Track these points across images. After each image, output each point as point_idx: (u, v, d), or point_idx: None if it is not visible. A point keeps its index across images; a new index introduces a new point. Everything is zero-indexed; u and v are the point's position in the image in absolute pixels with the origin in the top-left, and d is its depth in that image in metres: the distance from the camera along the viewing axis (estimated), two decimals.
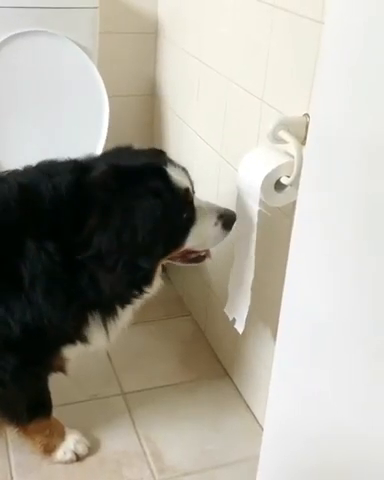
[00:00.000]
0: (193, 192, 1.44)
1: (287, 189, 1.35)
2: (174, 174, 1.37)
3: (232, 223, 1.45)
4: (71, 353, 1.46)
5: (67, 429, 1.63)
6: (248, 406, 1.83)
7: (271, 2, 1.42)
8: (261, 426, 1.71)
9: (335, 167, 0.88)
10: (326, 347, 0.97)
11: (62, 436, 1.61)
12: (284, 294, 1.06)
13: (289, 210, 1.40)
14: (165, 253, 1.40)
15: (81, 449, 1.62)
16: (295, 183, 1.30)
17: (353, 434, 0.94)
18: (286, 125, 1.29)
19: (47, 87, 1.96)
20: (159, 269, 1.43)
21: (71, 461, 1.60)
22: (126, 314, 1.46)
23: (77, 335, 1.41)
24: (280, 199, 1.38)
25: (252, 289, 1.49)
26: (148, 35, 2.23)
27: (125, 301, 1.41)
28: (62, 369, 1.53)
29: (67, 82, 1.98)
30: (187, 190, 1.39)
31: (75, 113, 2.00)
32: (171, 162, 1.41)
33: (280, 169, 1.32)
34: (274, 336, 1.12)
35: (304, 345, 1.03)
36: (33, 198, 1.30)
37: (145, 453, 1.66)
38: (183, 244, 1.42)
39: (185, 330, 2.13)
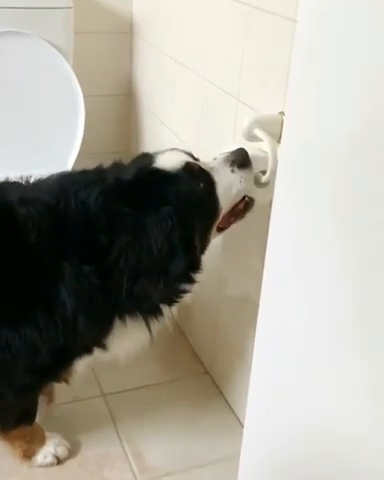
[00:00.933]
0: (196, 160, 1.41)
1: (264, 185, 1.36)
2: (165, 160, 1.35)
3: (246, 159, 1.36)
4: (83, 364, 1.44)
5: (47, 433, 1.62)
6: (229, 405, 1.83)
7: (245, 1, 1.43)
8: (242, 424, 1.71)
9: (310, 164, 0.88)
10: (305, 345, 0.97)
11: (42, 441, 1.60)
12: (262, 292, 1.07)
13: (266, 208, 1.40)
14: (208, 231, 1.37)
15: (61, 452, 1.61)
16: (271, 180, 1.31)
17: (333, 432, 0.94)
18: (261, 123, 1.30)
19: (22, 88, 1.94)
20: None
21: (52, 464, 1.59)
22: (170, 312, 1.44)
23: (98, 344, 1.40)
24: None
25: (231, 286, 1.50)
26: (123, 35, 2.23)
27: (174, 300, 1.39)
28: (67, 380, 1.50)
29: (42, 83, 1.97)
30: (187, 163, 1.35)
31: (50, 114, 1.99)
32: (157, 153, 1.39)
33: (256, 164, 1.33)
34: (254, 334, 1.12)
35: (283, 343, 1.03)
36: (64, 221, 1.27)
37: (126, 454, 1.65)
38: (220, 210, 1.38)
39: (165, 330, 2.12)
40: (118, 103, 2.33)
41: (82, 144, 2.01)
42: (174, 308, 1.44)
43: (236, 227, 1.47)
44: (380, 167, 0.76)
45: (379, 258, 0.78)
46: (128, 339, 1.43)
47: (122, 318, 1.36)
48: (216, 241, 1.69)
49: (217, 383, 1.90)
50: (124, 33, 2.22)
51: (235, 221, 1.45)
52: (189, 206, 1.31)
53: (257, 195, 1.41)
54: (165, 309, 1.40)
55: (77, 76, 1.95)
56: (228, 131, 1.57)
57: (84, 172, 1.38)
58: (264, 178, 1.32)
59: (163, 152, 1.39)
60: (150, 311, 1.38)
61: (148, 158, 1.38)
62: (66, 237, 1.27)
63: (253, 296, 1.50)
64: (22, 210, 1.26)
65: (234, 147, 1.39)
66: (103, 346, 1.40)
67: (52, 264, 1.25)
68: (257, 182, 1.37)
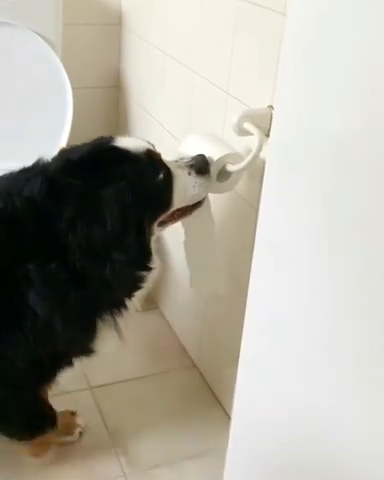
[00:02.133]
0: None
1: (231, 178, 1.38)
2: (126, 142, 1.31)
3: (206, 166, 1.36)
4: (70, 374, 1.41)
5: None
6: (216, 398, 1.84)
7: None
8: (229, 417, 1.72)
9: (299, 158, 0.88)
10: (292, 339, 0.98)
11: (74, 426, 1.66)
12: (250, 286, 1.07)
13: (254, 201, 1.41)
14: (153, 222, 1.32)
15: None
16: (238, 173, 1.35)
17: (321, 425, 0.95)
18: (251, 117, 1.30)
19: (9, 79, 1.93)
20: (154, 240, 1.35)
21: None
22: (133, 305, 1.38)
23: (87, 349, 1.35)
24: (219, 188, 1.41)
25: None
26: (112, 26, 2.21)
27: (133, 289, 1.33)
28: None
29: (30, 74, 1.95)
30: (149, 150, 1.32)
31: (38, 106, 1.98)
32: (118, 138, 1.34)
33: (228, 156, 1.35)
34: (241, 327, 1.12)
35: (270, 337, 1.04)
36: (16, 223, 1.21)
37: (114, 447, 1.66)
38: (171, 204, 1.34)
39: (152, 323, 2.13)
40: (106, 95, 2.32)
41: (70, 136, 1.99)
42: (136, 300, 1.37)
43: (225, 222, 1.48)
44: (369, 162, 0.76)
45: (369, 253, 0.78)
46: (112, 339, 1.38)
47: (102, 315, 1.30)
48: None
49: (204, 376, 1.91)
50: (113, 25, 2.21)
51: (178, 219, 1.41)
52: (145, 190, 1.26)
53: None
54: (128, 302, 1.34)
55: (65, 68, 1.94)
56: (217, 124, 1.57)
57: (25, 169, 1.29)
58: (232, 167, 1.33)
59: (123, 137, 1.34)
60: (115, 305, 1.32)
61: (106, 139, 1.33)
62: (23, 238, 1.20)
63: (241, 289, 1.51)
64: None
65: (195, 151, 1.38)
66: (89, 351, 1.35)
67: (17, 271, 1.18)
68: (222, 172, 1.37)
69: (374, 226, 0.76)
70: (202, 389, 1.87)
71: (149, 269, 1.31)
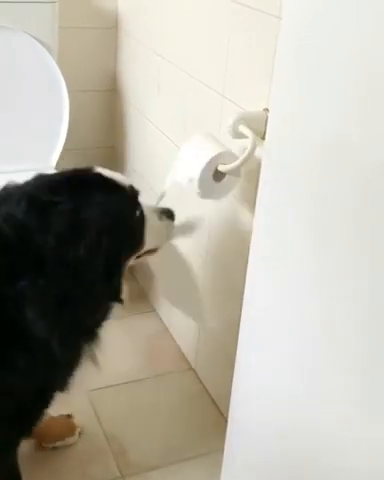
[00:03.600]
0: None
1: (225, 179, 1.38)
2: (110, 173, 1.28)
3: (173, 214, 1.40)
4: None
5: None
6: (213, 400, 1.84)
7: None
8: (226, 420, 1.72)
9: (293, 161, 0.89)
10: (289, 342, 0.98)
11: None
12: (246, 287, 1.07)
13: (250, 205, 1.41)
14: (129, 256, 1.30)
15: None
16: (234, 172, 1.34)
17: (318, 428, 0.95)
18: (246, 120, 1.30)
19: (5, 82, 1.93)
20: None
21: None
22: (104, 334, 1.31)
23: (67, 378, 1.28)
24: (219, 190, 1.41)
25: (213, 283, 1.50)
26: (108, 30, 2.22)
27: (102, 318, 1.27)
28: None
29: (26, 78, 1.95)
30: (132, 187, 1.31)
31: (34, 109, 1.98)
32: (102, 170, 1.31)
33: (219, 156, 1.35)
34: (238, 329, 1.12)
35: (267, 339, 1.04)
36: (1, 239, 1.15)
37: (110, 449, 1.65)
38: (143, 244, 1.33)
39: (149, 326, 2.13)
40: (103, 98, 2.32)
41: (66, 139, 2.00)
42: (105, 330, 1.30)
43: (219, 232, 1.48)
44: (364, 164, 0.76)
45: (366, 255, 0.79)
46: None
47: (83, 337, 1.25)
48: (203, 242, 1.70)
49: (201, 379, 1.91)
50: (109, 28, 2.22)
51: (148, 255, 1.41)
52: (124, 222, 1.25)
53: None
54: (99, 332, 1.27)
55: (62, 71, 1.94)
56: (213, 127, 1.57)
57: (2, 188, 1.24)
58: (224, 167, 1.33)
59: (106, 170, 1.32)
60: (92, 334, 1.26)
61: (90, 168, 1.30)
62: (10, 255, 1.14)
63: (237, 292, 1.51)
64: None
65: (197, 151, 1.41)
66: (67, 382, 1.28)
67: (10, 291, 1.12)
68: (215, 173, 1.38)
69: (374, 222, 0.77)
70: (199, 392, 1.87)
71: (119, 300, 1.27)
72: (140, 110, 2.11)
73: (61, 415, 1.67)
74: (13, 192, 1.21)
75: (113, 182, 1.27)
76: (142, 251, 1.35)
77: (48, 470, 1.58)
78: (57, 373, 1.25)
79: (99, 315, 1.27)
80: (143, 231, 1.32)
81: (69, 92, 1.96)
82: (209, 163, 1.36)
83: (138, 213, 1.31)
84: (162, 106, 1.92)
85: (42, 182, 1.24)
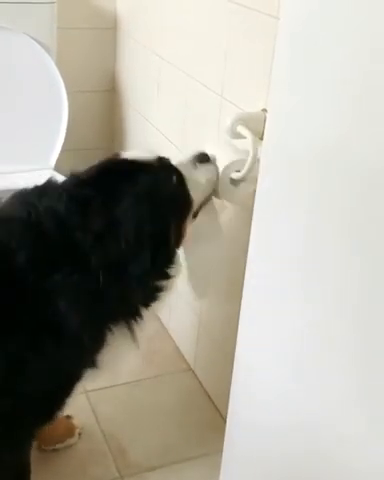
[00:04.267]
0: None
1: (242, 184, 1.37)
2: (134, 154, 1.32)
3: (205, 156, 1.38)
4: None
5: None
6: (212, 401, 1.84)
7: None
8: (225, 420, 1.72)
9: (291, 162, 0.89)
10: (288, 343, 0.98)
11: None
12: (244, 289, 1.07)
13: (248, 207, 1.41)
14: (182, 223, 1.32)
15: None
16: (248, 178, 1.32)
17: (318, 429, 0.95)
18: (244, 120, 1.30)
19: (4, 83, 1.93)
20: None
21: None
22: (152, 314, 1.34)
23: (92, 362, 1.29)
24: (236, 194, 1.40)
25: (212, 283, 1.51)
26: (107, 30, 2.22)
27: (150, 299, 1.29)
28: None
29: (25, 78, 1.95)
30: (160, 157, 1.33)
31: (33, 110, 1.98)
32: (124, 152, 1.36)
33: (232, 165, 1.35)
34: (237, 330, 1.12)
35: (265, 340, 1.04)
36: (41, 231, 1.19)
37: (109, 450, 1.65)
38: (192, 203, 1.34)
39: (148, 326, 2.12)
40: (102, 99, 2.32)
41: (65, 140, 2.00)
42: (155, 309, 1.33)
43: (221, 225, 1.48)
44: (362, 165, 0.76)
45: (367, 258, 0.79)
46: (116, 353, 1.34)
47: (110, 327, 1.26)
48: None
49: (200, 379, 1.91)
50: (108, 29, 2.22)
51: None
52: (163, 197, 1.27)
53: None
54: (144, 311, 1.30)
55: (60, 72, 1.94)
56: (212, 128, 1.58)
57: (38, 186, 1.28)
58: (236, 175, 1.33)
59: (129, 151, 1.37)
60: (129, 314, 1.28)
61: (115, 155, 1.35)
62: (49, 247, 1.18)
63: (237, 292, 1.51)
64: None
65: None
66: (94, 364, 1.30)
67: (46, 283, 1.15)
68: (231, 180, 1.37)
69: (375, 220, 0.77)
70: (198, 392, 1.87)
71: (169, 277, 1.29)
72: (139, 110, 2.11)
73: (61, 416, 1.67)
74: (53, 186, 1.27)
75: (139, 163, 1.30)
76: (197, 207, 1.37)
77: (48, 470, 1.58)
78: (85, 360, 1.26)
79: (146, 298, 1.29)
80: (187, 190, 1.34)
81: (68, 93, 1.96)
82: (223, 172, 1.36)
83: (174, 178, 1.32)
84: (161, 106, 1.93)
85: (76, 179, 1.28)
